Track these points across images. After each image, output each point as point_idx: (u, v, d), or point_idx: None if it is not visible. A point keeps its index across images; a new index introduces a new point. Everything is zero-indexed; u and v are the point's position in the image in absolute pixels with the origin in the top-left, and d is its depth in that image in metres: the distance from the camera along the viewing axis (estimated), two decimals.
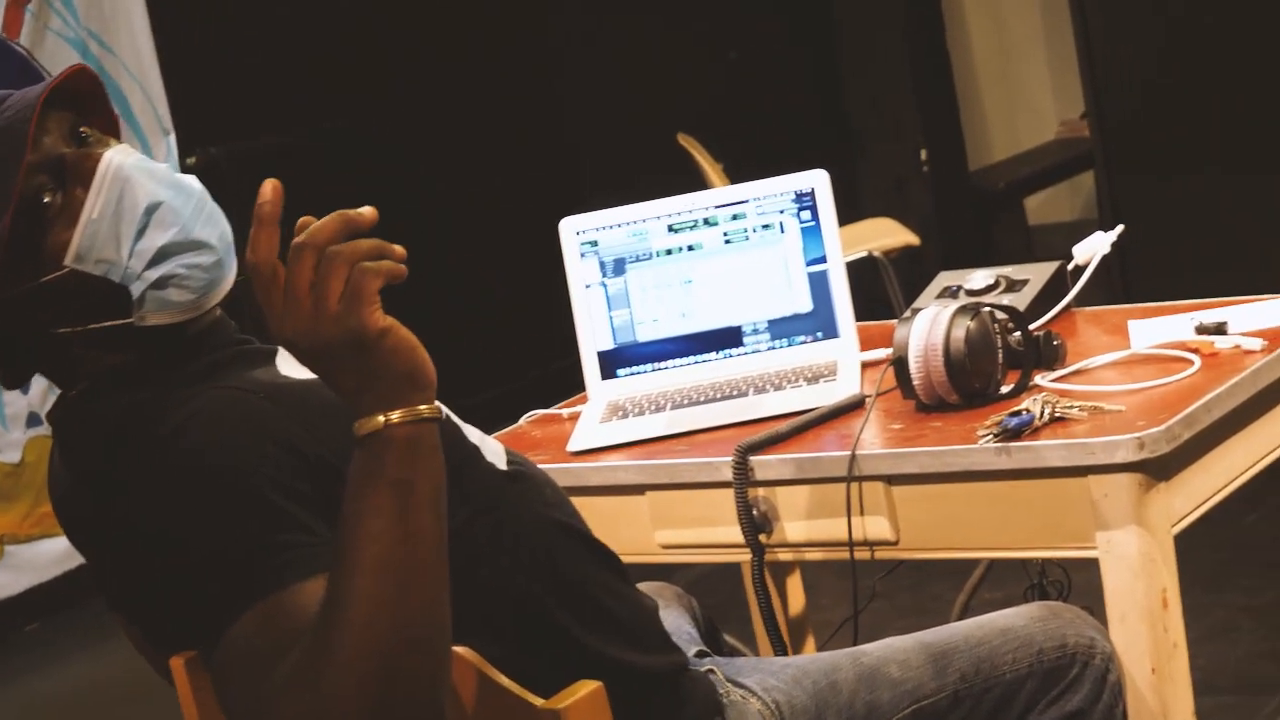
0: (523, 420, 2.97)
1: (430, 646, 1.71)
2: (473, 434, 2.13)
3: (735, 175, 6.28)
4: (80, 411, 2.01)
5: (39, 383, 5.72)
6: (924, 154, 8.17)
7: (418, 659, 1.68)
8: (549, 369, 6.22)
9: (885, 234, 6.67)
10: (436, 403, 1.71)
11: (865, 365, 2.77)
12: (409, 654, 1.67)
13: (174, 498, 1.84)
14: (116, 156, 1.98)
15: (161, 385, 1.95)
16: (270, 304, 1.66)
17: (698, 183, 6.49)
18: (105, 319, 1.98)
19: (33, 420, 5.79)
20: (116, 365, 2.01)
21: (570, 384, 2.98)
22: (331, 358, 1.68)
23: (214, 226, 2.02)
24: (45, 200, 1.96)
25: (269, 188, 1.65)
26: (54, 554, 5.77)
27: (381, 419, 1.68)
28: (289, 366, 2.00)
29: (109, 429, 1.95)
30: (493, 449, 2.14)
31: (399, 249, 1.70)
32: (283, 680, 1.68)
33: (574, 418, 2.87)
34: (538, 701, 1.86)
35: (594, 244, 2.86)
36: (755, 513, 2.51)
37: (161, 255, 1.97)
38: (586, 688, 1.88)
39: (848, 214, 5.87)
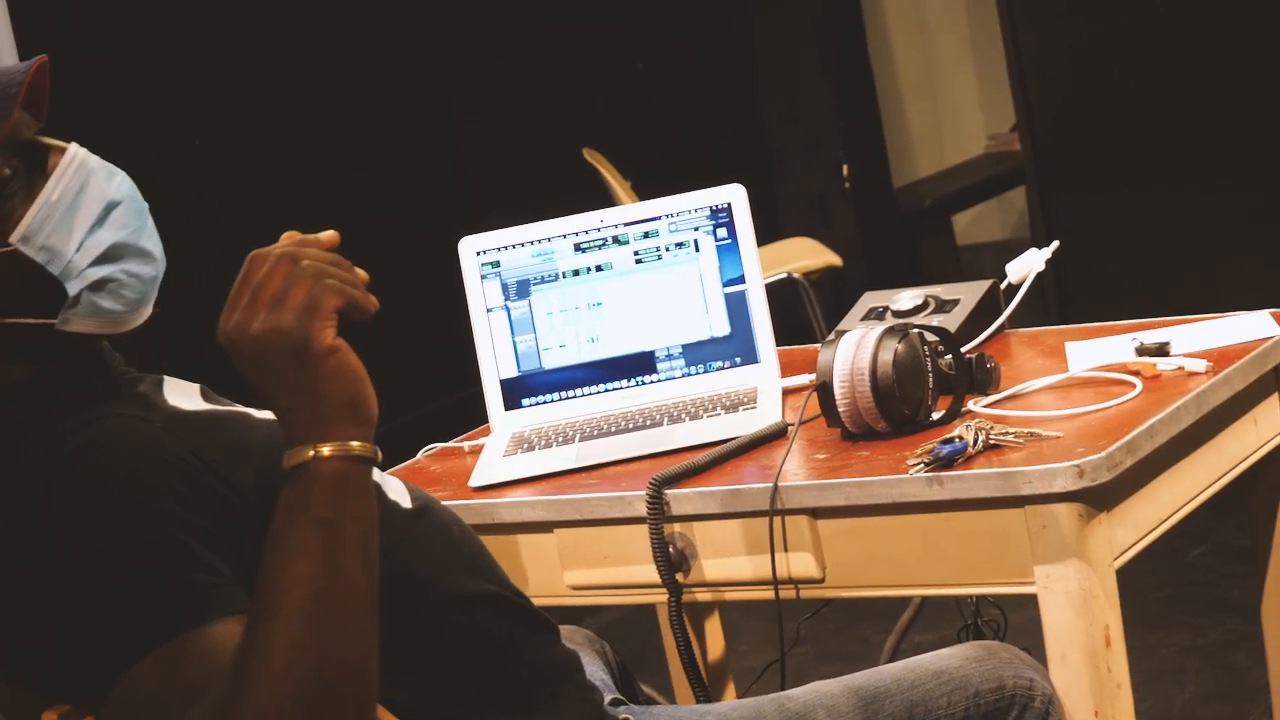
0: (420, 454, 2.96)
1: (355, 699, 1.70)
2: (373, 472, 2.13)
3: (645, 193, 6.31)
4: None
5: None
6: (845, 170, 8.22)
7: (341, 712, 1.68)
8: (448, 400, 6.22)
9: (805, 254, 6.71)
10: (373, 445, 1.71)
11: (787, 392, 2.78)
12: (332, 707, 1.66)
13: (67, 528, 1.83)
14: (83, 151, 2.02)
15: (59, 404, 1.95)
16: (233, 300, 1.71)
17: (604, 200, 6.51)
18: (28, 315, 1.99)
19: None
20: (16, 378, 2.01)
21: (472, 415, 2.98)
22: (272, 367, 1.70)
23: (156, 243, 2.06)
24: (6, 173, 1.98)
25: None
26: None
27: (310, 452, 1.69)
28: (177, 397, 2.02)
29: (12, 453, 1.93)
30: (394, 487, 2.15)
31: (362, 274, 1.78)
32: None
33: (476, 451, 2.87)
34: None
35: (496, 265, 2.86)
36: (671, 550, 2.50)
37: (109, 255, 2.00)
38: None
39: (765, 234, 5.89)
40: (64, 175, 1.99)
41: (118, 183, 2.03)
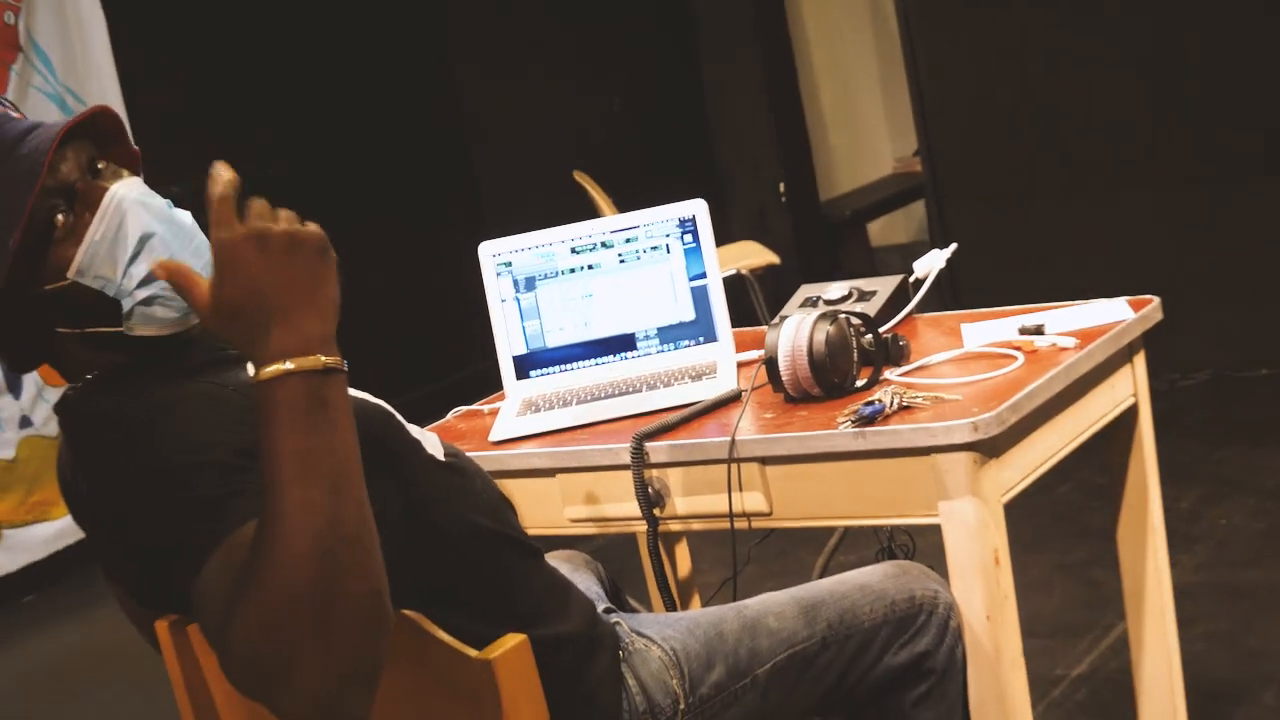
0: (450, 415, 2.97)
1: (362, 542, 1.63)
2: (414, 430, 2.12)
3: (624, 207, 6.29)
4: (81, 403, 2.00)
5: (29, 389, 5.69)
6: (782, 187, 8.19)
7: (352, 553, 1.61)
8: (471, 371, 6.21)
9: (751, 255, 6.69)
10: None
11: (741, 364, 2.78)
12: (344, 549, 1.60)
13: (153, 472, 1.82)
14: (121, 189, 1.96)
15: (148, 382, 1.93)
16: (235, 227, 1.67)
17: (590, 213, 6.50)
18: (100, 325, 1.97)
19: (24, 422, 5.74)
20: (110, 364, 1.99)
21: (490, 384, 2.98)
22: (297, 263, 1.67)
23: (200, 257, 1.97)
24: (58, 219, 1.94)
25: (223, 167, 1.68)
26: (46, 536, 5.74)
27: (309, 360, 1.64)
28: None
29: (103, 419, 1.93)
30: (432, 442, 2.13)
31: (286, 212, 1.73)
32: (237, 593, 1.62)
33: (493, 413, 2.86)
34: (472, 653, 1.86)
35: (508, 264, 2.86)
36: (650, 491, 2.52)
37: (150, 279, 1.94)
38: (513, 640, 1.88)
39: (718, 239, 5.86)
40: (104, 217, 1.94)
41: (153, 215, 1.98)
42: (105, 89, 6.03)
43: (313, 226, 1.69)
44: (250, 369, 2.00)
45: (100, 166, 2.01)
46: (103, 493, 1.93)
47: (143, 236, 1.96)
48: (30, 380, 5.66)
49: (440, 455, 2.11)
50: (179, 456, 1.81)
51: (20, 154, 1.94)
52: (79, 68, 5.99)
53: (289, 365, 1.63)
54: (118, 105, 6.01)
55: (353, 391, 2.06)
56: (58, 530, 5.74)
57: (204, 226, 1.82)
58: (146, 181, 2.05)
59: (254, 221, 1.66)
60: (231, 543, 1.70)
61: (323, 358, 1.65)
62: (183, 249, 1.98)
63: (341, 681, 1.60)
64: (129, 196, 1.97)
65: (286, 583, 1.58)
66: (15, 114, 2.03)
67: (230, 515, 1.73)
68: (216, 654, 1.69)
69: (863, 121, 8.96)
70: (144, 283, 1.95)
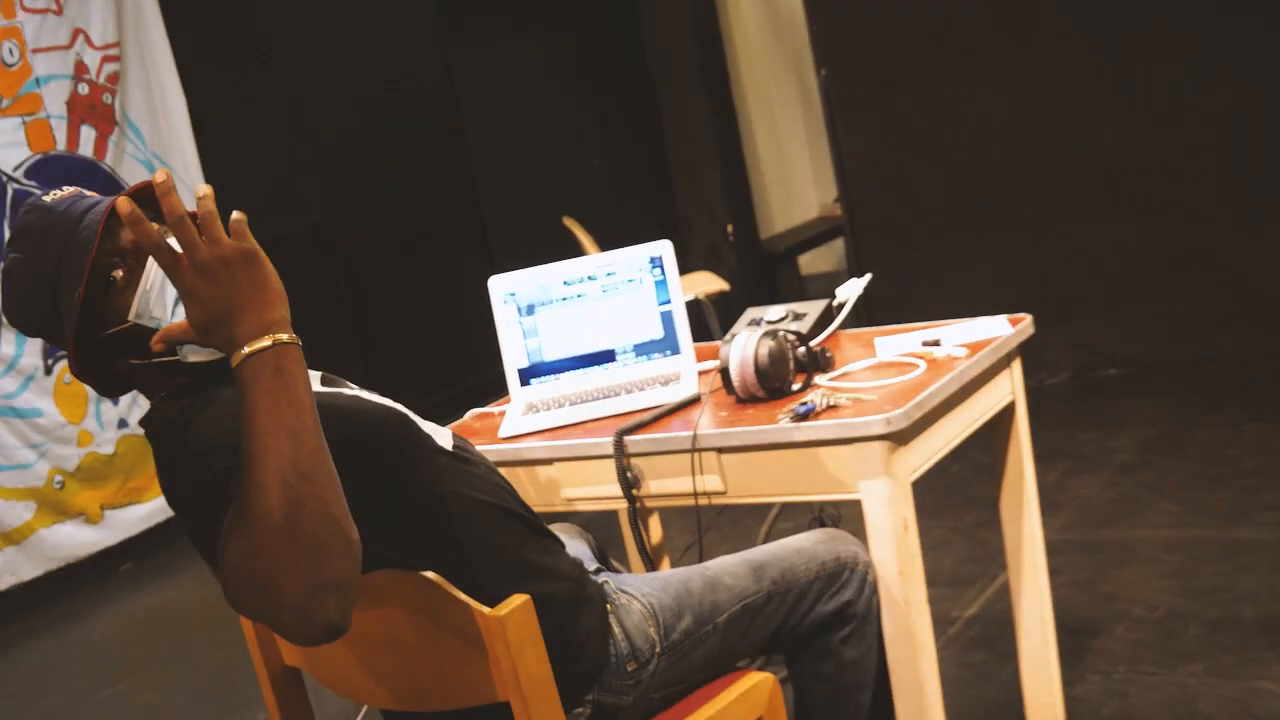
0: (467, 416, 2.96)
1: (317, 477, 1.64)
2: (427, 425, 2.12)
3: (603, 245, 6.30)
4: (156, 415, 2.00)
5: (125, 397, 5.68)
6: (730, 228, 8.18)
7: (309, 485, 1.62)
8: (484, 378, 6.20)
9: (706, 283, 6.69)
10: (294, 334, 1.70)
11: (700, 373, 2.78)
12: (301, 483, 1.61)
13: (196, 453, 1.83)
14: (166, 244, 1.97)
15: (201, 394, 1.94)
16: (181, 263, 1.66)
17: (578, 251, 6.51)
18: (160, 356, 1.96)
19: (121, 424, 5.73)
20: (175, 384, 2.00)
21: (498, 389, 2.98)
22: (233, 275, 1.66)
23: None
24: (116, 274, 1.95)
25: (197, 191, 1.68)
26: (139, 515, 5.72)
27: (269, 340, 1.66)
28: None
29: (169, 424, 1.94)
30: (443, 435, 2.12)
31: (237, 214, 1.71)
32: (230, 530, 1.64)
33: (502, 413, 2.87)
34: (486, 611, 1.86)
35: (513, 294, 2.85)
36: (628, 475, 2.53)
37: None
38: (518, 600, 1.87)
39: (679, 270, 5.90)
40: (151, 269, 1.94)
41: None
42: (185, 154, 6.02)
43: (236, 243, 1.68)
44: None
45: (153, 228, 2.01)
46: (170, 475, 1.94)
47: None
48: None
49: (449, 446, 2.11)
50: (209, 438, 1.82)
51: (82, 225, 1.96)
52: (164, 137, 5.98)
53: (245, 350, 1.65)
54: (194, 166, 6.01)
55: (373, 396, 2.08)
56: (149, 511, 5.73)
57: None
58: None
59: (185, 255, 1.67)
60: (236, 507, 1.70)
61: (270, 338, 1.66)
62: None
63: (314, 590, 1.60)
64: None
65: (260, 514, 1.60)
66: (90, 195, 2.04)
67: (237, 485, 1.72)
68: (224, 589, 1.70)
69: (793, 175, 8.96)
70: None
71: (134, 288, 1.95)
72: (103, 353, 2.00)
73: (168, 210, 1.66)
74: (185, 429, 1.88)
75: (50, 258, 1.96)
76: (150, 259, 1.93)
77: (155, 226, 1.67)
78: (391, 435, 2.01)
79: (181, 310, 1.93)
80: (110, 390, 2.08)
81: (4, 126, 5.42)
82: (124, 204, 1.65)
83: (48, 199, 2.01)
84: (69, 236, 1.95)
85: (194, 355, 1.95)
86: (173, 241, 1.71)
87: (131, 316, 1.95)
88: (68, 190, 2.04)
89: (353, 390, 2.11)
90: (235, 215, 1.70)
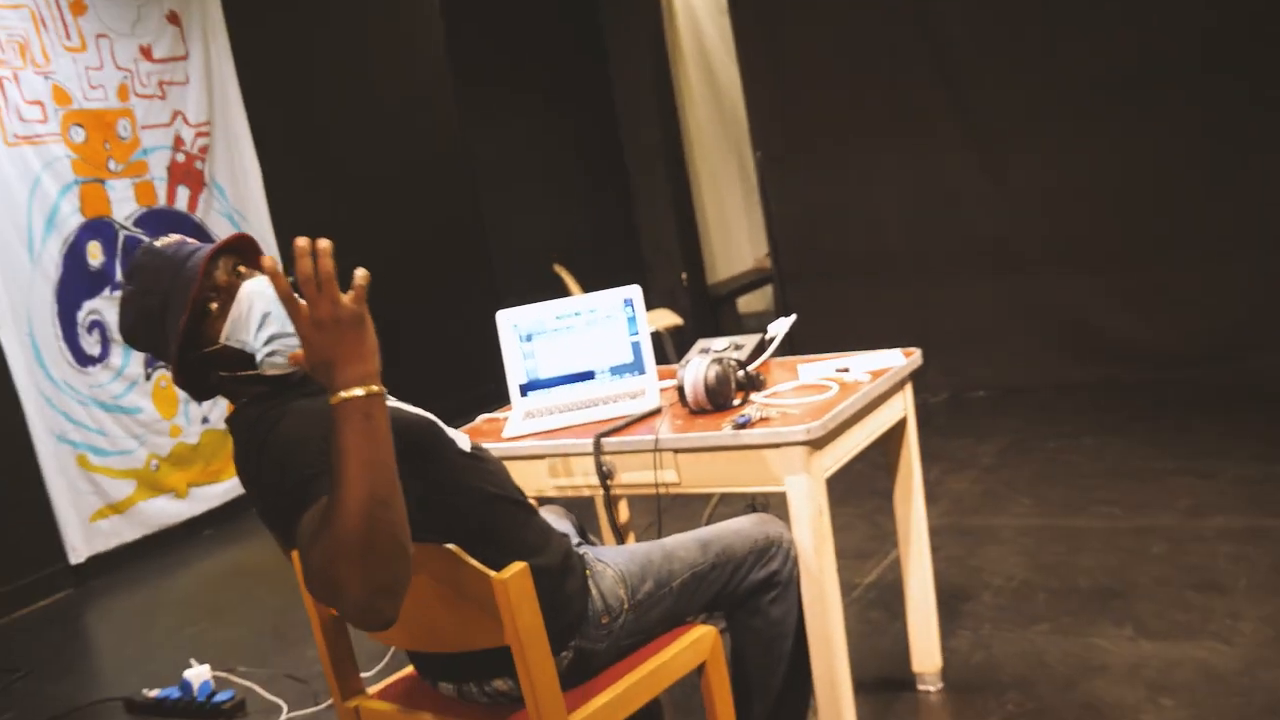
0: (478, 420, 2.94)
1: (391, 504, 1.61)
2: (450, 431, 2.10)
3: (586, 288, 6.30)
4: (240, 416, 1.99)
5: (208, 401, 5.65)
6: (684, 276, 8.17)
7: (384, 511, 1.59)
8: (490, 389, 6.19)
9: (664, 319, 6.69)
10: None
11: (661, 390, 2.78)
12: (378, 509, 1.58)
13: (275, 454, 1.82)
14: (250, 285, 1.98)
15: (278, 400, 1.94)
16: (312, 316, 1.62)
17: (565, 292, 6.50)
18: (244, 370, 1.97)
19: (203, 420, 5.69)
20: (256, 391, 1.99)
21: (502, 398, 2.96)
22: (343, 335, 1.63)
23: None
24: (211, 306, 1.96)
25: (317, 253, 1.62)
26: (218, 492, 5.69)
27: (361, 390, 1.62)
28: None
29: (252, 424, 1.93)
30: (462, 439, 2.11)
31: (362, 271, 1.67)
32: (315, 536, 1.62)
33: (505, 418, 2.85)
34: (492, 575, 1.85)
35: (515, 325, 2.83)
36: (604, 468, 2.51)
37: (269, 339, 1.95)
38: (517, 567, 1.86)
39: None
40: (239, 303, 1.95)
41: (270, 300, 1.96)
42: (258, 208, 5.99)
43: (349, 306, 1.65)
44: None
45: (241, 270, 2.02)
46: (252, 468, 1.92)
47: (263, 314, 1.96)
48: None
49: (467, 448, 2.10)
50: (290, 445, 1.81)
51: (187, 266, 1.97)
52: (242, 195, 5.95)
53: (343, 395, 1.62)
54: (265, 218, 5.98)
55: (408, 407, 2.06)
56: (225, 489, 5.69)
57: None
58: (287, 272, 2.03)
59: (311, 311, 1.64)
60: (317, 506, 1.70)
61: (362, 390, 1.63)
62: (285, 323, 1.97)
63: (374, 593, 1.59)
64: (255, 289, 1.98)
65: (341, 531, 1.58)
66: (191, 242, 2.04)
67: (318, 483, 1.72)
68: (304, 578, 1.69)
69: (733, 233, 8.97)
70: (267, 343, 1.96)
71: (225, 317, 1.96)
72: (198, 367, 2.00)
73: (300, 271, 1.62)
74: (266, 435, 1.86)
75: (159, 291, 1.96)
76: (239, 295, 1.95)
77: (288, 279, 1.64)
78: (425, 440, 1.99)
79: (264, 333, 1.94)
80: (202, 397, 2.07)
81: (118, 186, 5.40)
82: (269, 261, 1.62)
83: (158, 243, 2.03)
84: (175, 274, 1.96)
85: (271, 370, 1.96)
86: (263, 289, 1.68)
87: (223, 339, 1.96)
88: (174, 237, 2.05)
89: (393, 402, 2.09)
90: (360, 275, 1.68)
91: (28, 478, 5.04)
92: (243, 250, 2.04)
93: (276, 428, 1.85)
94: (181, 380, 2.01)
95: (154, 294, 1.96)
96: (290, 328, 1.95)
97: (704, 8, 8.55)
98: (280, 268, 1.62)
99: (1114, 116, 5.22)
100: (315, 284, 1.63)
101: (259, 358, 1.95)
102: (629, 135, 8.40)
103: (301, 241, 1.62)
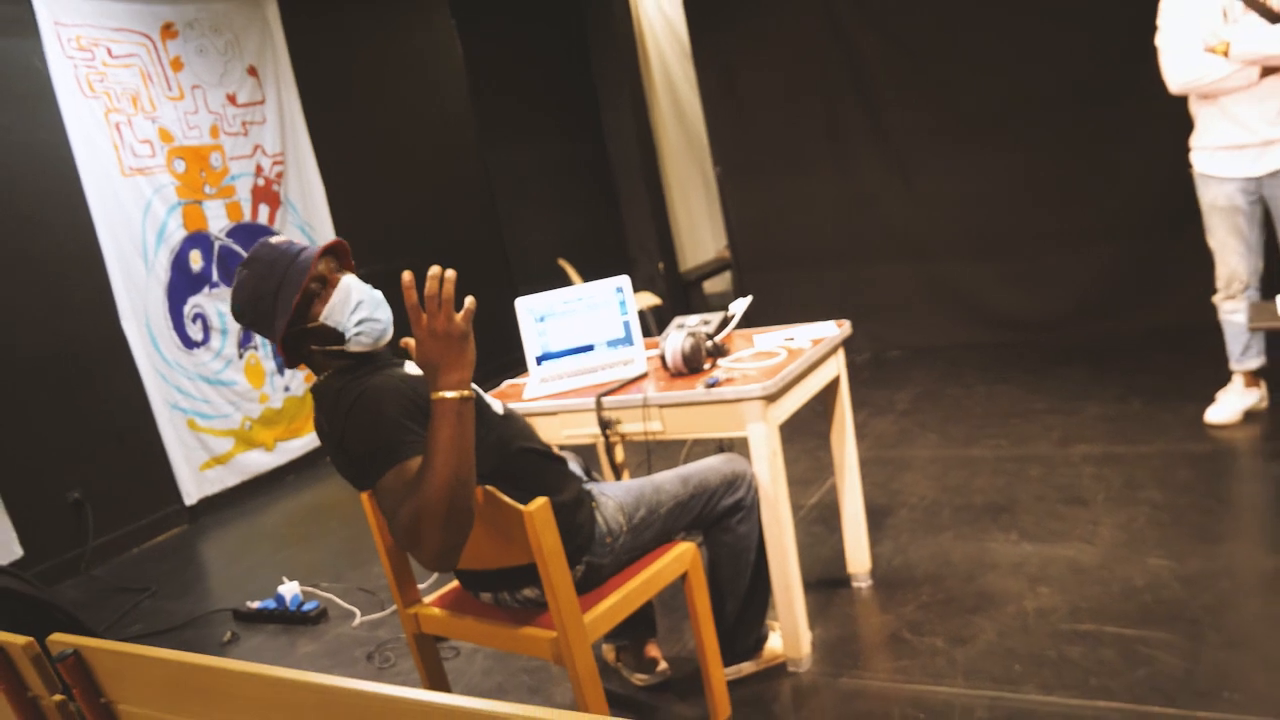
0: (503, 384, 2.92)
1: (468, 484, 1.65)
2: (486, 396, 2.11)
3: (585, 277, 6.27)
4: (325, 385, 1.98)
5: (289, 372, 5.62)
6: (661, 265, 8.13)
7: (463, 489, 1.63)
8: (511, 358, 6.17)
9: (647, 300, 6.67)
10: (473, 387, 1.69)
11: (648, 358, 2.78)
12: (459, 486, 1.61)
13: (361, 419, 1.81)
14: (346, 279, 1.97)
15: (360, 373, 1.92)
16: (431, 324, 1.63)
17: (568, 281, 6.46)
18: (334, 345, 1.95)
19: (286, 389, 5.66)
20: (339, 366, 1.98)
21: (520, 366, 2.95)
22: (452, 345, 1.64)
23: (385, 311, 1.98)
24: (316, 291, 1.94)
25: (444, 280, 1.64)
26: (299, 445, 5.65)
27: (457, 393, 1.64)
28: (411, 368, 1.99)
29: (337, 392, 1.92)
30: (496, 404, 2.12)
31: (470, 300, 1.67)
32: (406, 497, 1.64)
33: (524, 383, 2.84)
34: (521, 508, 1.86)
35: (531, 309, 2.83)
36: (604, 421, 2.51)
37: (359, 321, 1.94)
38: (540, 502, 1.88)
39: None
40: (339, 290, 1.94)
41: (361, 291, 1.96)
42: (324, 221, 5.94)
43: (460, 324, 1.66)
44: (410, 368, 2.00)
45: (336, 266, 2.01)
46: (337, 429, 1.91)
47: (357, 301, 1.96)
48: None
49: (501, 411, 2.11)
50: (374, 411, 1.80)
51: (299, 260, 1.96)
52: (310, 211, 5.90)
53: (444, 394, 1.65)
54: (329, 228, 5.94)
55: None
56: (304, 443, 5.66)
57: (391, 300, 1.81)
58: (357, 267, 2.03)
59: (430, 322, 1.65)
60: (400, 467, 1.72)
61: (455, 393, 1.65)
62: (376, 309, 1.97)
63: (445, 549, 1.64)
64: (349, 282, 1.97)
65: (428, 498, 1.62)
66: (297, 241, 2.03)
67: (401, 449, 1.74)
68: (389, 526, 1.71)
69: (699, 230, 8.91)
70: (358, 324, 1.95)
71: (324, 301, 1.94)
72: (297, 340, 1.98)
73: (428, 290, 1.64)
74: (351, 405, 1.85)
75: (274, 276, 1.94)
76: (338, 285, 1.94)
77: (415, 296, 1.65)
78: (479, 408, 2.00)
79: (356, 315, 1.94)
80: (293, 364, 2.05)
81: (212, 206, 5.37)
82: (406, 276, 1.63)
83: (272, 240, 2.01)
84: (290, 264, 1.94)
85: (356, 346, 1.95)
86: (355, 283, 1.68)
87: (321, 318, 1.94)
88: (283, 236, 2.04)
89: None
90: (469, 302, 1.69)
91: (149, 438, 5.05)
92: (338, 252, 2.04)
93: (361, 399, 1.84)
94: (282, 350, 1.99)
95: (269, 280, 1.94)
96: (377, 314, 1.95)
97: (672, 53, 8.49)
98: (412, 280, 1.63)
99: (1001, 135, 5.23)
100: (438, 301, 1.65)
101: (348, 335, 1.94)
102: (615, 156, 8.35)
103: (435, 269, 1.65)
